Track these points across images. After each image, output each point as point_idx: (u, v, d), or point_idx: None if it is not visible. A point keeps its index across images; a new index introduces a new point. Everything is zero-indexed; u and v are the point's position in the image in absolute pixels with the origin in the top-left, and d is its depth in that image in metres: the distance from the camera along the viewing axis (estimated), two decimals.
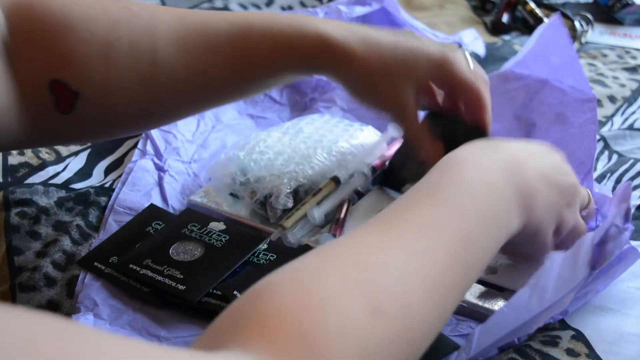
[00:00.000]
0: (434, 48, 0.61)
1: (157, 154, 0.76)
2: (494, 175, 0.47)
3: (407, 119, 0.62)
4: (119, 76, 0.57)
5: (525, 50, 0.77)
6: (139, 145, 0.77)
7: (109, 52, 0.56)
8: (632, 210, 0.69)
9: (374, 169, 0.71)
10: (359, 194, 0.70)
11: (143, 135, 0.78)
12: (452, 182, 0.46)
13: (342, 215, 0.67)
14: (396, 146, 0.72)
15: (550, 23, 0.75)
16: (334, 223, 0.66)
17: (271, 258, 0.62)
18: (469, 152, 0.49)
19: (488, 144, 0.51)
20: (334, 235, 0.63)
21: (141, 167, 0.74)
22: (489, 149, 0.50)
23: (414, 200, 0.45)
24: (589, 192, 0.60)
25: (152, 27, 0.57)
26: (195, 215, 0.67)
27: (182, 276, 0.59)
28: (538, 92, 0.76)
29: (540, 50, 0.76)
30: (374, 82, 0.60)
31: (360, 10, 0.93)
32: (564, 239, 0.55)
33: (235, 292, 0.57)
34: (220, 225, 0.66)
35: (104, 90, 0.57)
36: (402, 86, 0.60)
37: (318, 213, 0.65)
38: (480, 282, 0.59)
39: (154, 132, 0.78)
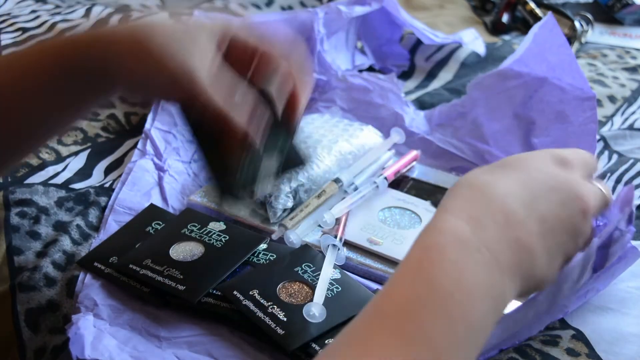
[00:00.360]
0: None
1: (157, 154, 0.76)
2: (476, 268, 0.40)
3: (201, 87, 0.50)
4: None
5: (522, 49, 0.77)
6: (139, 145, 0.77)
7: None
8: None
9: (385, 179, 0.71)
10: None
11: (143, 135, 0.78)
12: (422, 302, 0.38)
13: (344, 217, 0.67)
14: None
15: (545, 23, 0.75)
16: (336, 224, 0.66)
17: (271, 258, 0.62)
18: (447, 236, 0.41)
19: (471, 203, 0.43)
20: (335, 236, 0.63)
21: (141, 167, 0.74)
22: (473, 221, 0.41)
23: (375, 334, 0.37)
24: (607, 190, 0.50)
25: None
26: (195, 215, 0.67)
27: (182, 276, 0.59)
28: (537, 90, 0.75)
29: (537, 48, 0.75)
30: (152, 58, 0.50)
31: (360, 10, 0.93)
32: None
33: (235, 292, 0.57)
34: (220, 225, 0.66)
35: None
36: (185, 50, 0.50)
37: (330, 219, 0.65)
38: None
39: (154, 132, 0.78)
